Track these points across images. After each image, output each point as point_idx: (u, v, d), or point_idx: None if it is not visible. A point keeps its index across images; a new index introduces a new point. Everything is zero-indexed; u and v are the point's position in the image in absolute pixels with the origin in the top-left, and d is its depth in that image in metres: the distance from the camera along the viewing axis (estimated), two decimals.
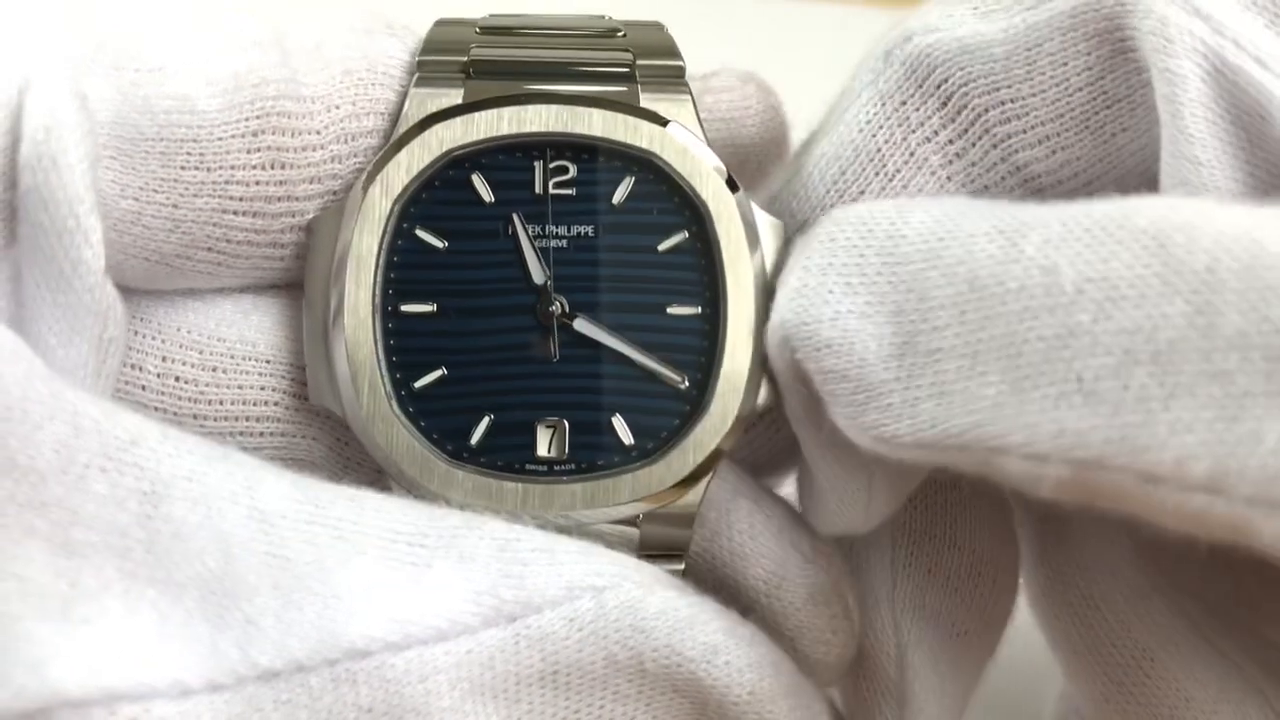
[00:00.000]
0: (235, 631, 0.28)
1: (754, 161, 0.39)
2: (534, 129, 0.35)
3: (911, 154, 0.34)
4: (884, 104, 0.35)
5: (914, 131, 0.34)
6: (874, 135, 0.35)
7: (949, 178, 0.34)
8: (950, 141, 0.34)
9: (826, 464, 0.35)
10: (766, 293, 0.35)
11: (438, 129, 0.35)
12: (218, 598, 0.28)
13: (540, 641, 0.29)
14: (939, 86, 0.34)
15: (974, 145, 0.34)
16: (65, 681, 0.27)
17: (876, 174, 0.35)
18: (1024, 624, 0.40)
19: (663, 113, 0.35)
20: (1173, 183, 0.32)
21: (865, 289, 0.32)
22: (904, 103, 0.34)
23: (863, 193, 0.35)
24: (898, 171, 0.34)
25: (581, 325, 0.35)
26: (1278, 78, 0.30)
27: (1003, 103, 0.33)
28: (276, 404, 0.35)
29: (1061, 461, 0.28)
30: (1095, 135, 0.33)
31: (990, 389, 0.29)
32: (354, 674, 0.28)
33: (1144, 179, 0.34)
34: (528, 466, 0.35)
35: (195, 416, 0.35)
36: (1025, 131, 0.33)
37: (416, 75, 0.35)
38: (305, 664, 0.28)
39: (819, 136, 0.37)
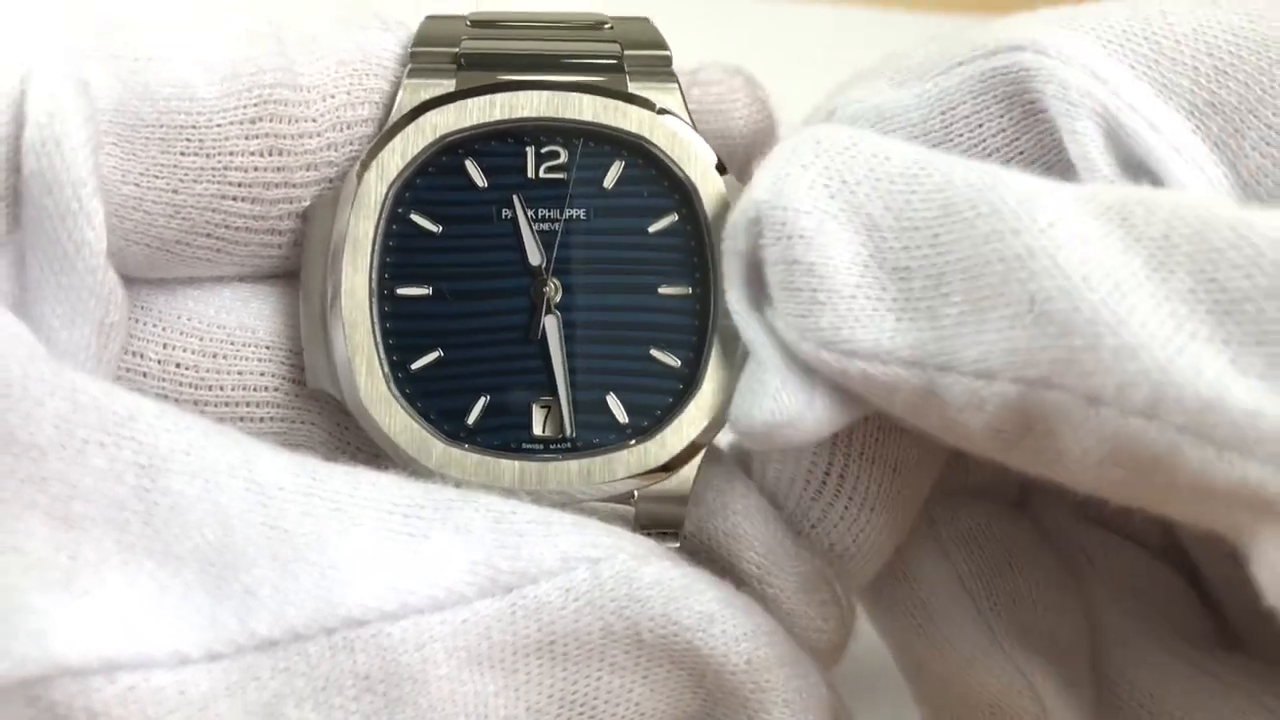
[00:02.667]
0: (234, 602, 0.28)
1: (742, 153, 0.39)
2: (525, 114, 0.36)
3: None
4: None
5: None
6: None
7: None
8: None
9: (767, 340, 0.34)
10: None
11: (431, 115, 0.36)
12: (216, 569, 0.29)
13: (536, 611, 0.30)
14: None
15: None
16: (65, 651, 0.27)
17: None
18: None
19: (651, 100, 0.36)
20: None
21: (845, 197, 0.32)
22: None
23: None
24: None
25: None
26: (1168, 141, 0.31)
27: None
28: (276, 389, 0.36)
29: (1010, 379, 0.29)
30: None
31: (953, 308, 0.30)
32: (351, 642, 0.29)
33: None
34: (524, 445, 0.35)
35: (196, 402, 0.35)
36: None
37: (409, 66, 0.36)
38: (303, 633, 0.28)
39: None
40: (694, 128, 0.36)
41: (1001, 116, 0.33)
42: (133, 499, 0.29)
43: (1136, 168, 0.32)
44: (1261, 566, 0.27)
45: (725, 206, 0.35)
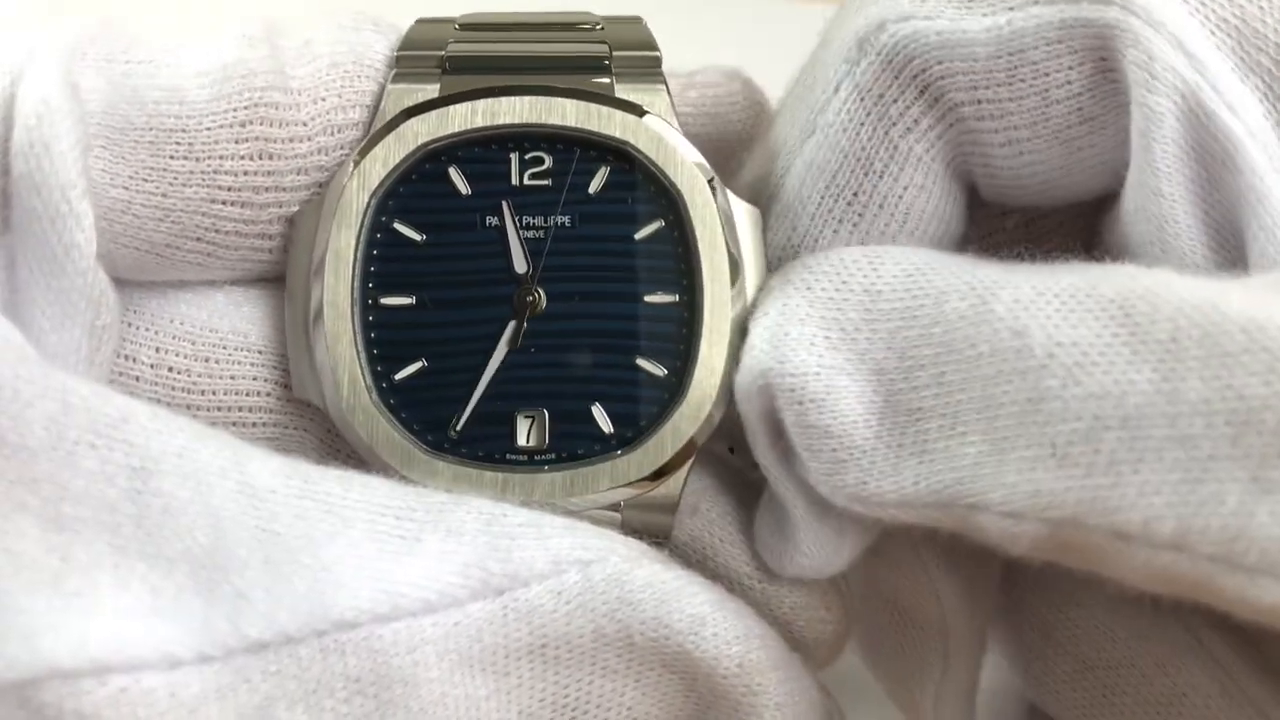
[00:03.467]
0: (225, 605, 0.28)
1: (739, 156, 0.39)
2: (508, 121, 0.35)
3: (895, 149, 0.34)
4: (862, 99, 0.34)
5: (895, 125, 0.34)
6: (857, 135, 0.35)
7: (933, 161, 0.34)
8: (931, 128, 0.34)
9: (799, 501, 0.34)
10: (739, 282, 0.35)
11: (413, 123, 0.35)
12: (208, 571, 0.29)
13: (528, 614, 0.30)
14: (916, 77, 0.34)
15: (951, 128, 0.34)
16: (56, 653, 0.27)
17: (865, 174, 0.35)
18: None
19: (637, 102, 0.36)
20: (1133, 207, 0.32)
21: (846, 345, 0.32)
22: (882, 95, 0.34)
23: (855, 194, 0.35)
24: (885, 169, 0.35)
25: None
26: (1245, 125, 0.30)
27: (979, 102, 0.33)
28: (268, 394, 0.36)
29: (1037, 520, 0.29)
30: (1065, 147, 0.34)
31: (971, 448, 0.30)
32: (342, 645, 0.29)
33: (1090, 190, 0.35)
34: (508, 456, 0.35)
35: (189, 407, 0.35)
36: (998, 132, 0.34)
37: (394, 71, 0.36)
38: (294, 635, 0.28)
39: (783, 120, 0.37)
40: (680, 131, 0.36)
41: (1072, 69, 0.32)
42: (124, 501, 0.29)
43: (1195, 154, 0.31)
44: None
45: (713, 213, 0.35)
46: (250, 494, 0.30)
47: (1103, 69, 0.32)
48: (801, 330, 0.33)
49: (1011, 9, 0.32)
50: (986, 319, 0.30)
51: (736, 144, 0.39)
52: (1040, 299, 0.29)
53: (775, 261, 0.36)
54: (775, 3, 0.52)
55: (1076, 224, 0.38)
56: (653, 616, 0.30)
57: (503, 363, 0.35)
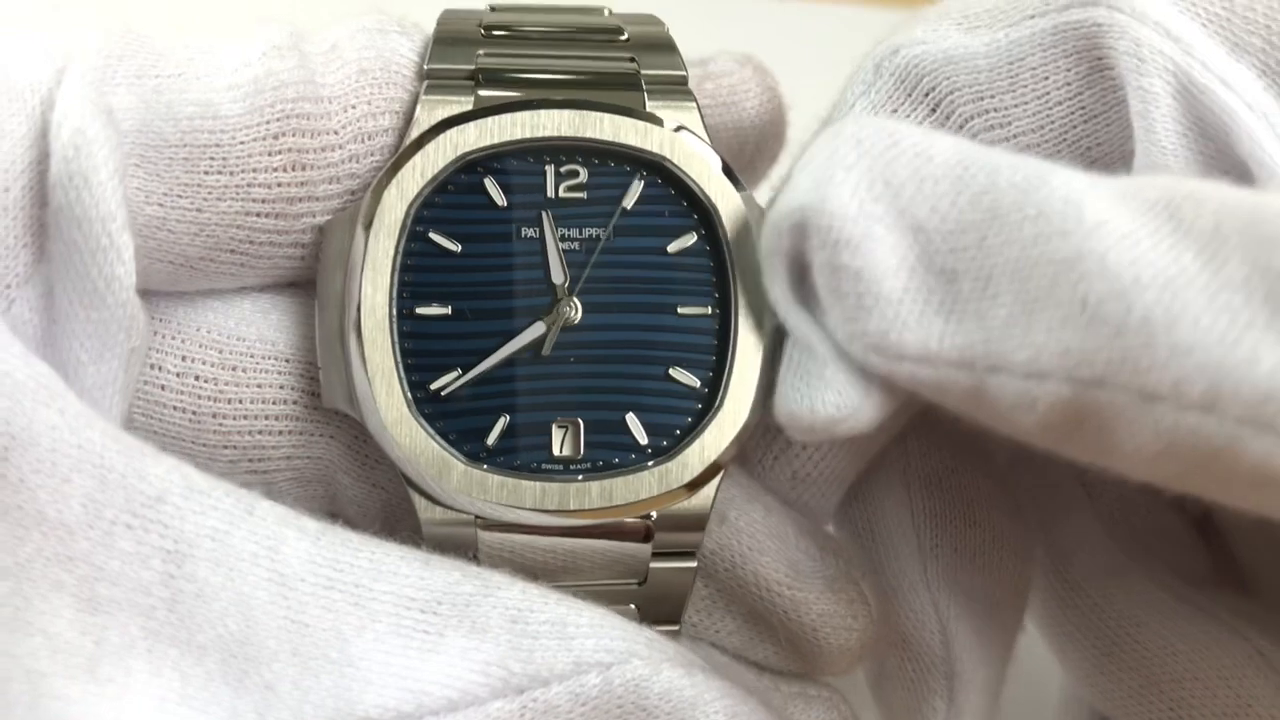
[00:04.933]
0: (254, 696, 0.29)
1: (753, 143, 0.39)
2: (546, 133, 0.35)
3: None
4: (876, 113, 0.35)
5: None
6: None
7: None
8: None
9: (819, 338, 0.34)
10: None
11: (451, 134, 0.35)
12: (238, 661, 0.29)
13: (545, 715, 0.31)
14: (927, 95, 0.35)
15: None
16: None
17: None
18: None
19: (669, 119, 0.36)
20: None
21: (890, 199, 0.31)
22: (894, 110, 0.35)
23: None
24: None
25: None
26: (1240, 98, 0.31)
27: (986, 111, 0.34)
28: (295, 402, 0.35)
29: (1063, 379, 0.29)
30: (1073, 147, 0.34)
31: (1002, 309, 0.30)
32: None
33: None
34: (544, 466, 0.35)
35: (215, 415, 0.35)
36: (1007, 140, 0.34)
37: (426, 84, 0.35)
38: None
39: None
40: (712, 146, 0.36)
41: (1069, 70, 0.33)
42: (158, 585, 0.29)
43: (1198, 129, 0.31)
44: None
45: (745, 227, 0.35)
46: (280, 583, 0.30)
47: (1098, 67, 0.33)
48: (847, 176, 0.32)
49: (1009, 25, 0.34)
50: (1040, 188, 0.30)
51: (750, 131, 0.39)
52: (1091, 188, 0.29)
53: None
54: (775, 3, 0.50)
55: None
56: None
57: (538, 373, 0.35)
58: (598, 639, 0.31)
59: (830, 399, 0.33)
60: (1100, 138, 0.34)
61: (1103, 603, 0.39)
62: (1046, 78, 0.33)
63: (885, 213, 0.31)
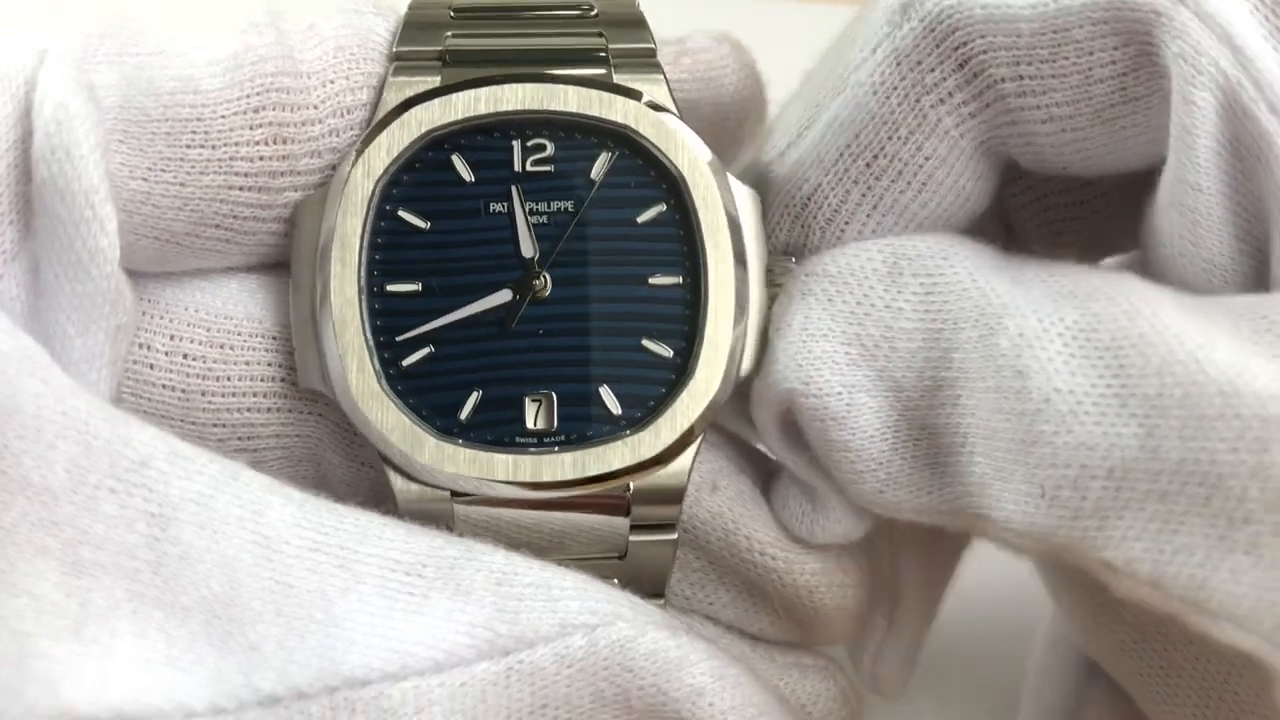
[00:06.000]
0: (239, 656, 0.29)
1: (733, 120, 0.39)
2: (510, 108, 0.35)
3: (924, 117, 0.34)
4: (899, 64, 0.34)
5: (928, 93, 0.34)
6: (887, 98, 0.34)
7: (961, 136, 0.34)
8: (964, 104, 0.34)
9: (821, 482, 0.36)
10: (742, 263, 0.36)
11: (416, 111, 0.35)
12: (222, 622, 0.29)
13: (531, 676, 0.31)
14: (956, 49, 0.33)
15: (988, 108, 0.34)
16: (76, 700, 0.28)
17: (890, 138, 0.35)
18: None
19: (638, 90, 0.36)
20: (1169, 201, 0.32)
21: (866, 363, 0.33)
22: (919, 63, 0.34)
23: (876, 157, 0.35)
24: (910, 135, 0.34)
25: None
26: None
27: (1022, 78, 0.33)
28: (283, 380, 0.36)
29: (1034, 541, 0.31)
30: (1108, 126, 0.33)
31: (979, 468, 0.31)
32: (352, 702, 0.30)
33: (1139, 165, 0.34)
34: (518, 439, 0.35)
35: (203, 393, 0.35)
36: (1040, 109, 0.33)
37: (394, 65, 0.36)
38: (306, 691, 0.29)
39: (823, 85, 0.37)
40: (680, 117, 0.36)
41: (1116, 49, 0.32)
42: (143, 548, 0.29)
43: (1233, 150, 0.31)
44: None
45: (714, 194, 0.36)
46: (265, 545, 0.30)
47: (1147, 52, 0.32)
48: (824, 347, 0.34)
49: None
50: (992, 354, 0.31)
51: (729, 107, 0.39)
52: (1044, 336, 0.30)
53: (779, 221, 0.37)
54: (775, 3, 0.50)
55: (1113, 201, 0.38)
56: (652, 684, 0.31)
57: (509, 347, 0.36)
58: (582, 601, 0.31)
59: (834, 529, 0.36)
60: (1138, 120, 0.33)
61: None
62: (1091, 54, 0.32)
63: (865, 378, 0.33)
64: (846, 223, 0.35)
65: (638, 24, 0.37)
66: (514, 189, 0.36)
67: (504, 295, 0.35)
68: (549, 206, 0.36)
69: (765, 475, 0.38)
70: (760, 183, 0.37)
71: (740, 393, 0.36)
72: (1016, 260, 0.34)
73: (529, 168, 0.36)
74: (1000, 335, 0.31)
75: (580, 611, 0.31)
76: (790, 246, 0.37)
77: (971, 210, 0.36)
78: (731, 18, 0.41)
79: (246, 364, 0.35)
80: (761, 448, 0.39)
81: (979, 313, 0.32)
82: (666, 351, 0.36)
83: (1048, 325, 0.30)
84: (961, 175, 0.35)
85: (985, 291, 0.32)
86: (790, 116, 0.38)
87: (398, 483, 0.35)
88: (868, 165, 0.35)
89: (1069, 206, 0.38)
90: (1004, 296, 0.32)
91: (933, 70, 0.34)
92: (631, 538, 0.36)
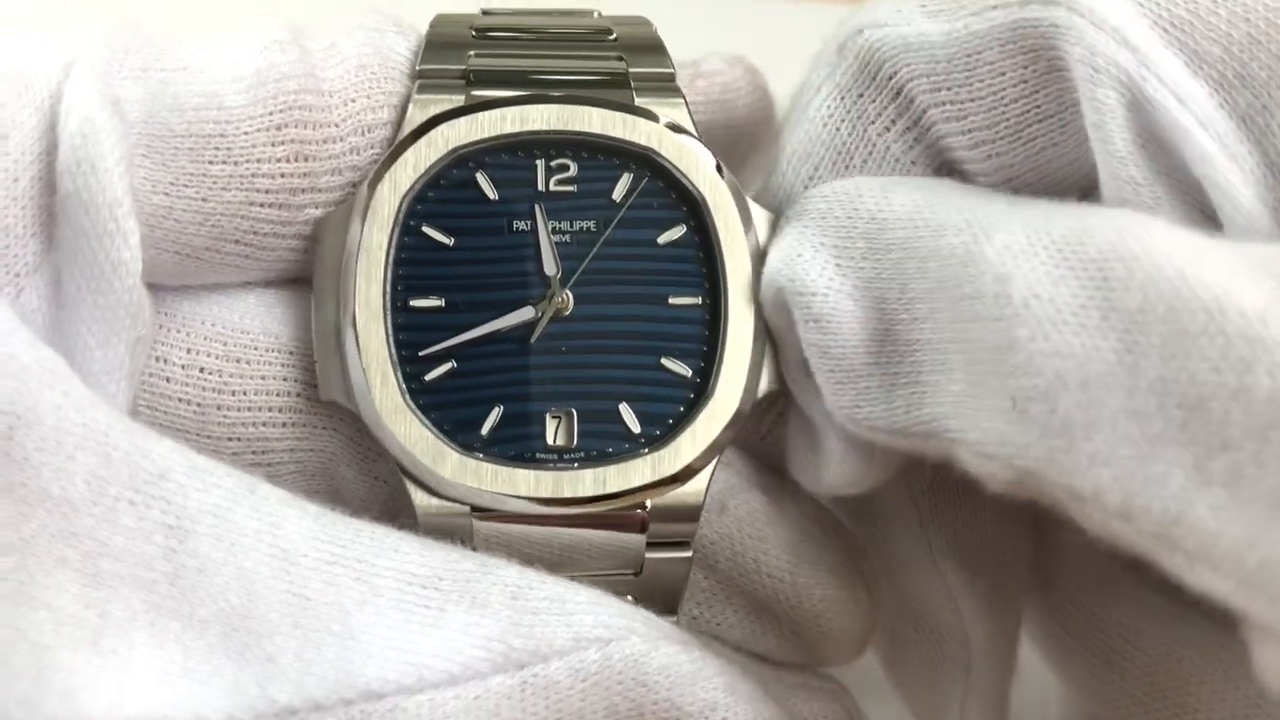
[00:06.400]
0: (255, 668, 0.29)
1: (746, 141, 0.40)
2: (535, 127, 0.36)
3: (873, 146, 0.36)
4: (842, 98, 0.36)
5: (872, 124, 0.35)
6: (837, 130, 0.36)
7: (913, 161, 0.35)
8: (907, 130, 0.35)
9: (821, 413, 0.35)
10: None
11: (443, 128, 0.36)
12: (240, 634, 0.30)
13: (545, 690, 0.31)
14: (889, 79, 0.35)
15: (927, 132, 0.35)
16: (93, 711, 0.28)
17: (845, 168, 0.36)
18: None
19: (657, 115, 0.36)
20: (1115, 202, 0.32)
21: (853, 271, 0.33)
22: (860, 95, 0.36)
23: None
24: (864, 164, 0.36)
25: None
26: (1194, 115, 0.30)
27: (943, 103, 0.34)
28: (299, 395, 0.36)
29: (1005, 466, 0.29)
30: (1026, 147, 0.34)
31: (955, 385, 0.31)
32: (368, 715, 0.30)
33: (1079, 184, 0.35)
34: (538, 455, 0.36)
35: (219, 407, 0.35)
36: (962, 134, 0.34)
37: (418, 83, 0.36)
38: (322, 703, 0.29)
39: (785, 129, 0.38)
40: (700, 140, 0.37)
41: (1024, 68, 0.33)
42: (161, 560, 0.30)
43: (1154, 141, 0.31)
44: (1259, 664, 0.27)
45: (734, 217, 0.36)
46: (282, 558, 0.30)
47: (1054, 67, 0.33)
48: (815, 254, 0.34)
49: (971, 14, 0.34)
50: (975, 260, 0.30)
51: (742, 129, 0.40)
52: (1031, 248, 0.29)
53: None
54: (776, 3, 0.51)
55: None
56: (666, 698, 0.32)
57: (531, 363, 0.36)
58: (596, 615, 0.32)
59: (834, 470, 0.35)
60: (1055, 139, 0.34)
61: (1100, 612, 0.39)
62: (1002, 74, 0.33)
63: (853, 286, 0.33)
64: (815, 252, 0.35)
65: (657, 49, 0.38)
66: (537, 207, 0.36)
67: (527, 313, 0.36)
68: (571, 225, 0.36)
69: (779, 493, 0.38)
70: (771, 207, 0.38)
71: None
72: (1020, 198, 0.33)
73: (552, 187, 0.36)
74: (986, 244, 0.30)
75: (595, 625, 0.31)
76: None
77: None
78: (732, 18, 0.42)
79: (262, 379, 0.36)
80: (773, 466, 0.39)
81: (966, 222, 0.31)
82: (686, 370, 0.36)
83: (1036, 237, 0.29)
84: None
85: (974, 207, 0.31)
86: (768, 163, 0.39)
87: (418, 497, 0.35)
88: None
89: None
90: (994, 212, 0.31)
91: (872, 101, 0.35)
92: (647, 555, 0.36)
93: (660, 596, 0.36)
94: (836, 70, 0.36)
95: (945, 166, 0.35)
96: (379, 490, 0.37)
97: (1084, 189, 0.35)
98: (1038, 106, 0.33)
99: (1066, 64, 0.32)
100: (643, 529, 0.36)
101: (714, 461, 0.36)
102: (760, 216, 0.37)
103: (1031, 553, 0.40)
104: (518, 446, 0.36)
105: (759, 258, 0.36)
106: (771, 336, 0.36)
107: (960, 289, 0.30)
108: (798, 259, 0.34)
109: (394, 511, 0.37)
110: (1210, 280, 0.26)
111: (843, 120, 0.36)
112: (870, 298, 0.33)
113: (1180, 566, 0.27)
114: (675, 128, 0.36)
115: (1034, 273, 0.29)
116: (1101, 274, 0.28)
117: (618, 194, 0.36)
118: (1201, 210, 0.32)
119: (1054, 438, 0.28)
